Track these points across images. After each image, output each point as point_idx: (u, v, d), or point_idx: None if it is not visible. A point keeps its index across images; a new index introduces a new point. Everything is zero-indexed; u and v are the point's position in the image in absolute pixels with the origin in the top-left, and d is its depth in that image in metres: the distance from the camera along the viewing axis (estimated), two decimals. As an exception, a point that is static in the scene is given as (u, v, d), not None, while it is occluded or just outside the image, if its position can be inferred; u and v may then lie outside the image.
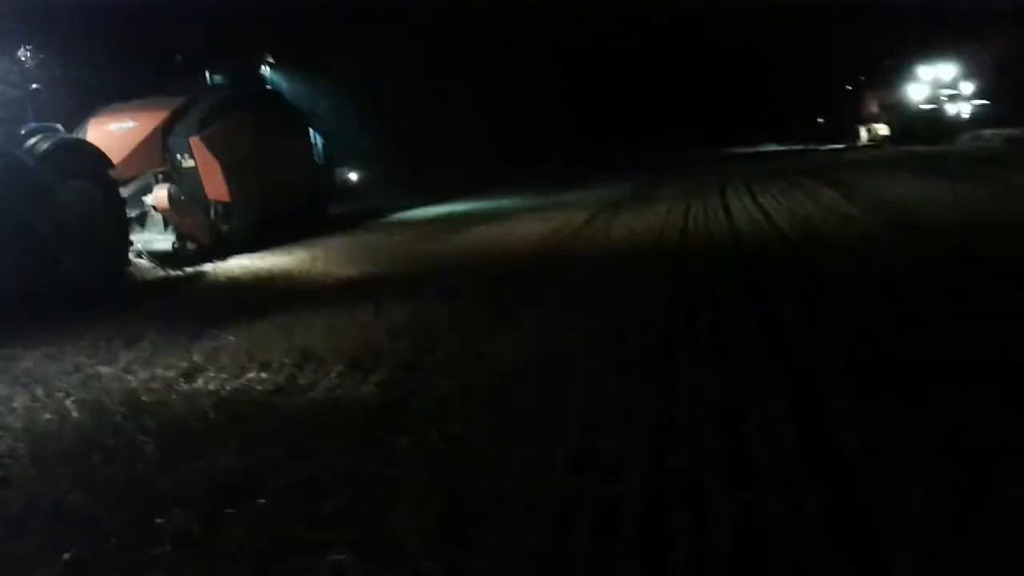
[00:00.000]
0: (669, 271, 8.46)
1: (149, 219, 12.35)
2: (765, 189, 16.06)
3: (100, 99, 13.91)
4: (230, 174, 13.05)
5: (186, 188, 12.93)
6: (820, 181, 16.44)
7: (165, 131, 12.95)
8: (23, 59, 9.96)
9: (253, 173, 13.66)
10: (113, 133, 12.85)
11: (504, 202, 18.71)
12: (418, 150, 21.10)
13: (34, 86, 10.01)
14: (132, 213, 12.24)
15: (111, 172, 10.55)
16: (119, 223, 10.44)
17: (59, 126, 10.07)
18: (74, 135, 10.66)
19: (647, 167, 26.64)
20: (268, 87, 16.41)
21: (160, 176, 12.67)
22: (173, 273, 11.24)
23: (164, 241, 12.17)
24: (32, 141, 9.45)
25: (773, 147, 39.38)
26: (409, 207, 18.84)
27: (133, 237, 12.19)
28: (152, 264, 11.57)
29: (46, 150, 9.39)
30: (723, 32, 37.66)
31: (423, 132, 21.59)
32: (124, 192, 12.29)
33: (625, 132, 36.81)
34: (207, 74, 15.57)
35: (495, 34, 23.01)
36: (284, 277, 10.47)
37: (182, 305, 9.26)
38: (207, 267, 11.57)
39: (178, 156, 12.94)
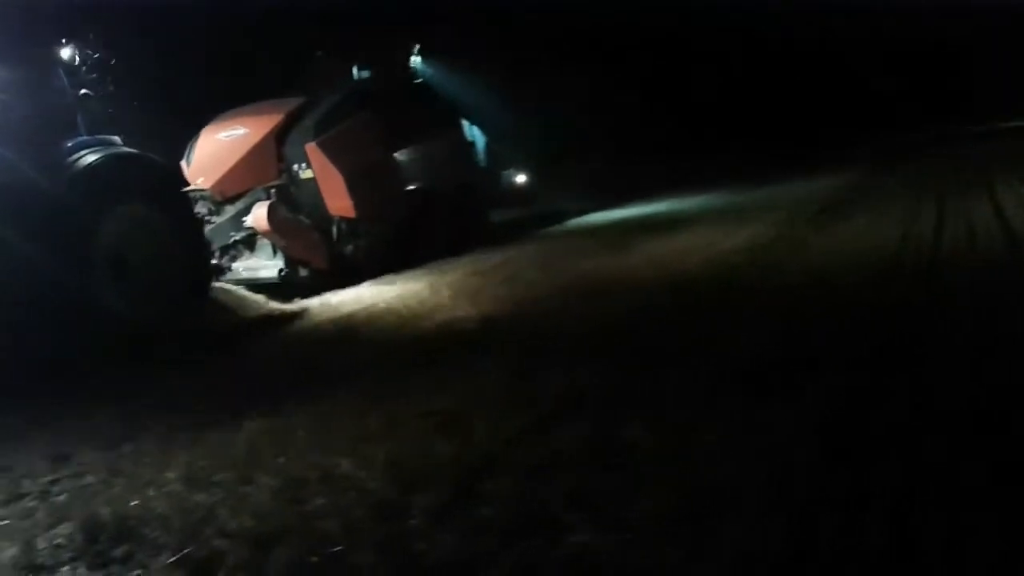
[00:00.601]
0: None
1: (258, 242, 10.42)
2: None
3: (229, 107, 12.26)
4: (354, 185, 10.88)
5: (306, 203, 10.93)
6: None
7: (280, 138, 11.00)
8: (74, 57, 8.18)
9: (384, 182, 11.45)
10: (222, 143, 11.10)
11: (689, 203, 15.47)
12: (596, 148, 18.19)
13: (83, 91, 8.22)
14: (238, 236, 10.41)
15: (186, 192, 8.61)
16: (194, 255, 8.44)
17: (116, 139, 8.21)
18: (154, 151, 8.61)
19: (870, 153, 21.90)
20: (416, 80, 14.17)
21: (273, 191, 10.72)
22: (275, 309, 9.17)
23: (273, 268, 10.19)
24: (73, 159, 7.61)
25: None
26: (585, 212, 16.03)
27: (239, 264, 10.37)
28: (253, 297, 9.58)
29: (86, 170, 7.51)
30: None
31: (601, 128, 18.73)
32: (231, 210, 10.50)
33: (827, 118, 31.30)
34: (354, 70, 13.62)
35: (669, 24, 19.81)
36: (401, 316, 8.06)
37: (250, 362, 7.13)
38: (315, 301, 9.41)
39: (295, 166, 10.94)
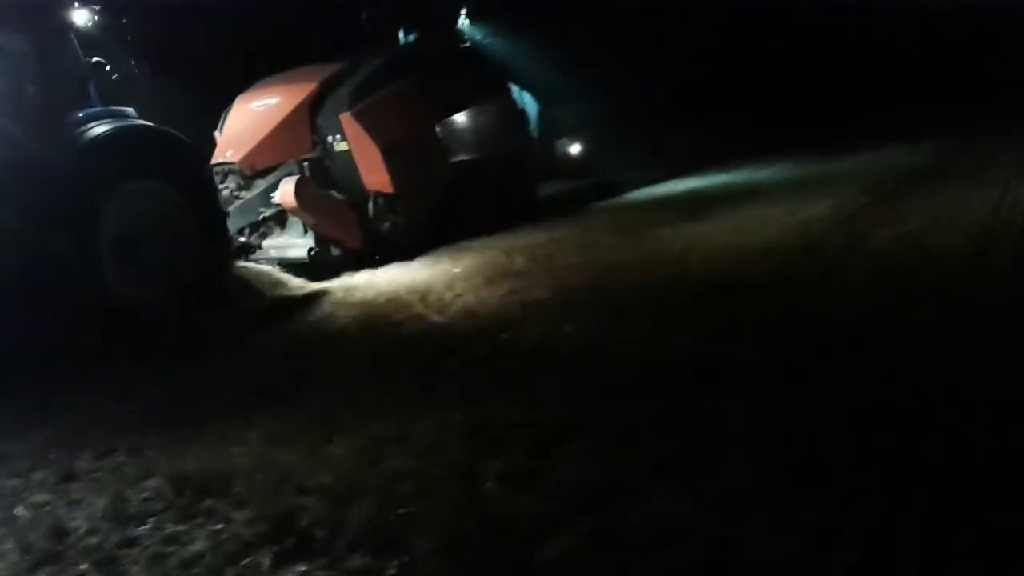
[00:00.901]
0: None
1: (289, 219, 9.82)
2: None
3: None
4: (392, 157, 10.19)
5: (341, 178, 10.29)
6: None
7: (314, 107, 10.34)
8: (89, 22, 7.60)
9: (425, 154, 10.72)
10: (254, 113, 10.50)
11: (753, 175, 14.38)
12: (661, 115, 17.03)
13: (95, 59, 7.66)
14: (267, 213, 9.84)
15: (210, 167, 8.03)
16: (213, 238, 7.86)
17: (130, 110, 7.65)
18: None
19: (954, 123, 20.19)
20: (464, 44, 13.34)
21: (306, 165, 10.09)
22: (298, 290, 8.60)
23: (303, 247, 9.58)
24: (80, 131, 7.08)
25: None
26: (640, 185, 15.04)
27: (269, 242, 9.81)
28: (280, 277, 9.02)
29: (91, 142, 6.96)
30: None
31: (667, 93, 17.59)
32: (261, 185, 9.92)
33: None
34: (400, 33, 12.89)
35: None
36: (426, 304, 7.41)
37: (255, 356, 6.56)
38: (336, 283, 8.81)
39: (329, 138, 10.29)
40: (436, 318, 6.88)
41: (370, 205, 10.25)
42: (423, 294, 7.72)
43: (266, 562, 3.13)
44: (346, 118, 10.08)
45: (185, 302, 7.43)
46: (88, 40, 7.56)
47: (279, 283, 8.84)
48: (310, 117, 10.28)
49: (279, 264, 9.43)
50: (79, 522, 3.65)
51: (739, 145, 17.13)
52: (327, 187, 10.12)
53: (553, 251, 9.16)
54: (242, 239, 9.70)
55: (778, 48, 19.75)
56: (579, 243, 9.55)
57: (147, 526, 3.56)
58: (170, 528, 3.52)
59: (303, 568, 3.07)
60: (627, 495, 3.21)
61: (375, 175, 10.21)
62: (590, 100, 16.11)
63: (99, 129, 7.10)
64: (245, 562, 3.17)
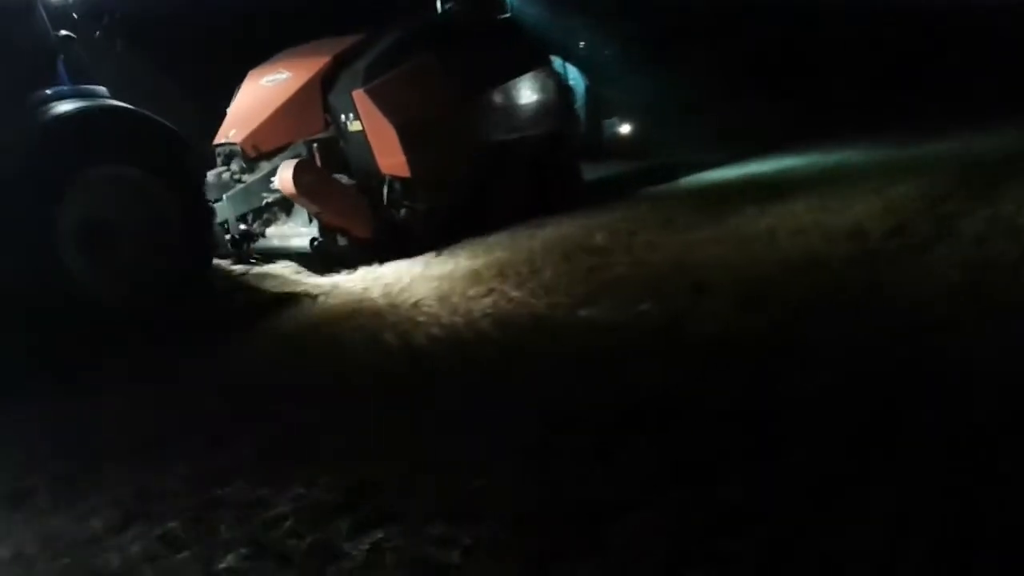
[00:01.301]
0: None
1: (294, 206, 9.05)
2: None
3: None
4: (410, 138, 9.32)
5: (355, 160, 9.48)
6: None
7: (326, 83, 9.52)
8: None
9: (449, 134, 9.80)
10: (263, 89, 9.76)
11: (825, 158, 13.02)
12: (717, 94, 15.67)
13: (63, 32, 6.97)
14: (271, 198, 9.09)
15: (189, 153, 7.26)
16: (195, 228, 7.12)
17: (101, 89, 6.94)
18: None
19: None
20: (505, 14, 12.34)
21: (316, 145, 9.30)
22: (288, 287, 7.86)
23: (306, 236, 8.82)
24: (42, 111, 6.40)
25: None
26: (696, 169, 13.83)
27: (272, 231, 9.08)
28: (275, 271, 8.30)
29: (52, 122, 6.28)
30: None
31: (732, 70, 16.17)
32: (265, 168, 9.19)
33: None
34: (439, 3, 12.00)
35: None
36: (425, 315, 6.55)
37: (222, 370, 5.83)
38: (329, 280, 8.04)
39: (342, 117, 9.48)
40: (453, 320, 6.09)
41: (384, 190, 9.42)
42: (443, 296, 6.88)
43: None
44: (359, 95, 9.23)
45: (158, 300, 6.74)
46: (58, 11, 6.84)
47: (272, 277, 8.13)
48: (322, 94, 9.48)
49: (282, 254, 8.72)
50: None
51: (806, 127, 15.70)
52: (340, 170, 9.33)
53: (580, 243, 8.26)
54: (243, 227, 8.99)
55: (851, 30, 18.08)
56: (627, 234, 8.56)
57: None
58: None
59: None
60: (698, 480, 3.20)
61: (391, 157, 9.36)
62: (645, 76, 14.93)
63: (61, 108, 6.41)
64: None
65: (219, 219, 8.86)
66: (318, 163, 9.18)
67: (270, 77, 9.75)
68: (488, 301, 6.47)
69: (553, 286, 6.64)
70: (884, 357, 4.18)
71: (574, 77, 14.02)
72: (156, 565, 3.18)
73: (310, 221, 8.86)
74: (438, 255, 8.84)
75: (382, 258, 8.75)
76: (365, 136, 9.35)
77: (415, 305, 6.71)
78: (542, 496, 3.23)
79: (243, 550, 3.15)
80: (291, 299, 7.35)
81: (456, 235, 9.41)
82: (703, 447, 3.47)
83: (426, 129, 9.50)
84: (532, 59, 11.85)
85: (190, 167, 7.21)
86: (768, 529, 2.82)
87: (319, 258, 8.70)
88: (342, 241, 8.88)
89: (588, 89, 14.46)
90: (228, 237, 9.00)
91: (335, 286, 7.81)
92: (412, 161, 9.36)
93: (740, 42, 16.71)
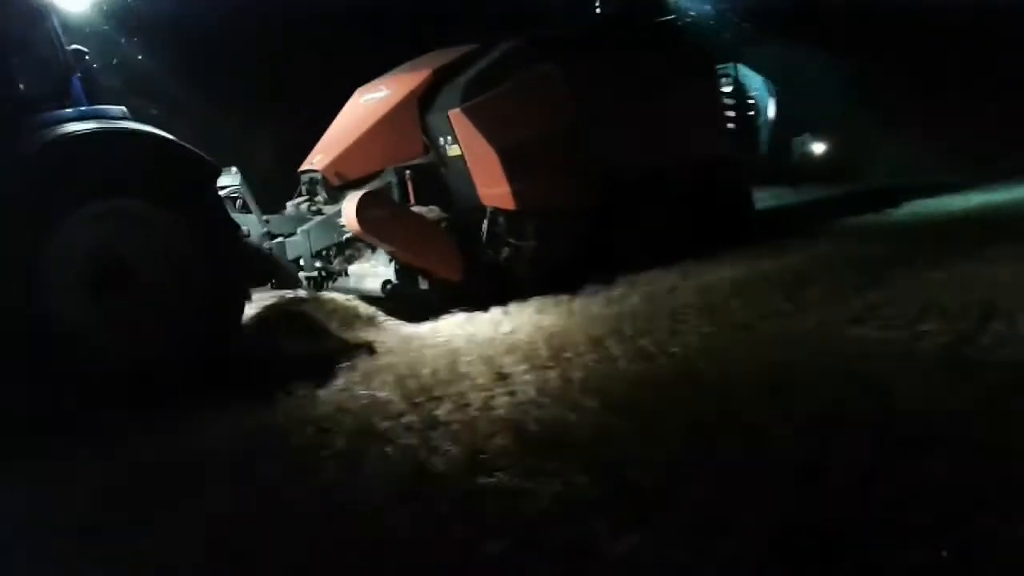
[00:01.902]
0: None
1: (378, 242, 7.84)
2: None
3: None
4: (516, 164, 7.91)
5: (456, 189, 8.18)
6: None
7: (425, 102, 8.29)
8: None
9: (565, 158, 8.25)
10: (360, 108, 8.74)
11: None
12: (916, 105, 12.80)
13: (73, 46, 6.16)
14: (351, 233, 7.92)
15: (217, 185, 6.25)
16: (222, 273, 6.03)
17: (117, 110, 6.06)
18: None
19: None
20: (664, 16, 10.59)
21: (408, 172, 8.08)
22: (347, 336, 6.63)
23: (381, 277, 7.58)
24: (41, 134, 5.58)
25: None
26: (905, 199, 11.22)
27: (354, 268, 7.97)
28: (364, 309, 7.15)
29: (42, 149, 5.43)
30: None
31: (966, 76, 13.18)
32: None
33: None
34: (595, 5, 10.55)
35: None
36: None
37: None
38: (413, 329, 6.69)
39: (440, 140, 8.20)
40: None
41: (485, 224, 8.02)
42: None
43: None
44: (456, 114, 7.93)
45: (173, 352, 5.74)
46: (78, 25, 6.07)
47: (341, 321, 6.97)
48: (420, 114, 8.25)
49: (357, 296, 7.56)
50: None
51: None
52: (438, 202, 8.04)
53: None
54: (318, 264, 7.92)
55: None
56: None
57: None
58: None
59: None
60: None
61: (493, 187, 7.97)
62: (843, 86, 12.47)
63: (55, 132, 5.55)
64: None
65: (292, 255, 7.89)
66: (410, 192, 7.98)
67: (369, 95, 8.69)
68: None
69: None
70: None
71: (758, 87, 11.91)
72: None
73: (390, 261, 7.61)
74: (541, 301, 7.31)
75: (470, 306, 7.32)
76: (464, 162, 8.02)
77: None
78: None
79: None
80: (343, 352, 6.04)
81: (570, 281, 7.80)
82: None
83: (538, 153, 8.04)
84: (694, 70, 10.01)
85: (212, 196, 6.16)
86: None
87: (399, 302, 7.44)
88: (423, 284, 7.56)
89: (776, 98, 12.26)
90: (304, 276, 7.98)
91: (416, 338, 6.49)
92: (517, 191, 7.92)
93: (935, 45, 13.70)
